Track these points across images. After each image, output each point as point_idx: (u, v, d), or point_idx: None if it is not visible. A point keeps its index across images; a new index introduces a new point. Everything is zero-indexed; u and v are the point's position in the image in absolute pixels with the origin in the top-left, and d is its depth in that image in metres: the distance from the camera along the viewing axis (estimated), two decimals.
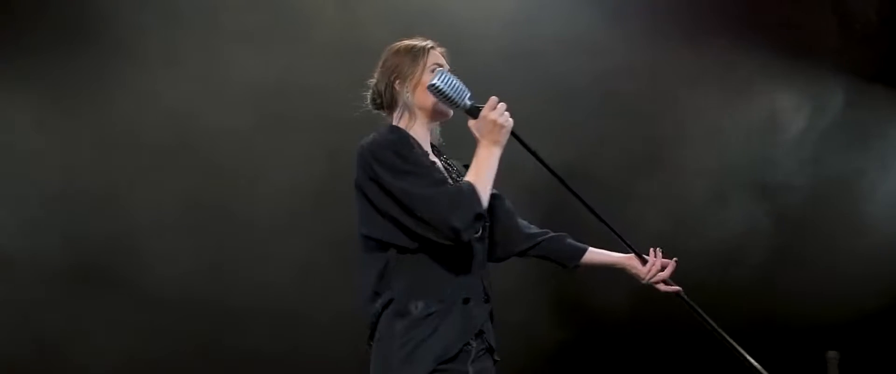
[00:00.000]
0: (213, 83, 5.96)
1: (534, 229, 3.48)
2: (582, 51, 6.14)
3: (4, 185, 5.89)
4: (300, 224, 5.99)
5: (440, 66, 3.19)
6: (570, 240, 3.49)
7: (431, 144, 3.24)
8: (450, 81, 3.06)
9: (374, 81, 3.27)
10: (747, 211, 6.36)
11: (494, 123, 3.01)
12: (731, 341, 3.48)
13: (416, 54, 3.20)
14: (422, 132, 3.19)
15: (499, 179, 3.03)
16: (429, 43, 3.25)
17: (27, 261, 5.87)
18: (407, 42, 3.26)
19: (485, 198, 2.97)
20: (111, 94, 5.91)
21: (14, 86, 5.85)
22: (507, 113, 3.04)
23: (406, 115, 3.19)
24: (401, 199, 2.95)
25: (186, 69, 5.92)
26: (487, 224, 3.18)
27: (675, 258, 3.46)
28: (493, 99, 3.04)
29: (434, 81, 3.06)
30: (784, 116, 6.46)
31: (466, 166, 3.15)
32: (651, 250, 3.46)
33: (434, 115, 3.19)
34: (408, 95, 3.16)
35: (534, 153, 3.15)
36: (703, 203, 6.31)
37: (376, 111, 3.28)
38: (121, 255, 5.91)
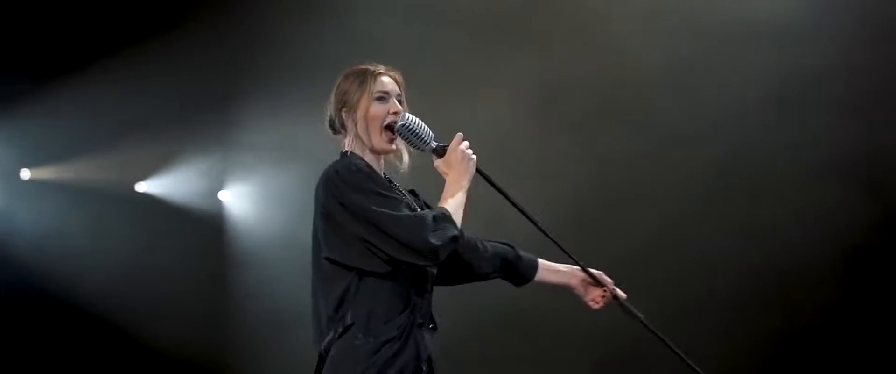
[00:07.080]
0: None
1: (490, 246, 3.55)
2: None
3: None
4: None
5: (386, 93, 3.25)
6: (522, 254, 3.59)
7: (384, 173, 3.35)
8: (414, 125, 3.22)
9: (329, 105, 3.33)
10: None
11: (461, 159, 3.21)
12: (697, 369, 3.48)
13: (362, 82, 3.28)
14: (372, 158, 3.30)
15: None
16: (379, 68, 3.32)
17: None
18: (358, 67, 3.33)
19: (458, 223, 3.15)
20: None
21: None
22: (470, 150, 3.25)
23: (357, 142, 3.29)
24: (377, 222, 3.06)
25: None
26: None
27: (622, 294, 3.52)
28: (459, 136, 3.25)
29: (401, 123, 3.22)
30: None
31: (412, 192, 3.35)
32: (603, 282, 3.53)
33: (377, 147, 3.28)
34: (353, 124, 3.26)
35: (494, 185, 3.29)
36: None
37: (336, 136, 3.37)
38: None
